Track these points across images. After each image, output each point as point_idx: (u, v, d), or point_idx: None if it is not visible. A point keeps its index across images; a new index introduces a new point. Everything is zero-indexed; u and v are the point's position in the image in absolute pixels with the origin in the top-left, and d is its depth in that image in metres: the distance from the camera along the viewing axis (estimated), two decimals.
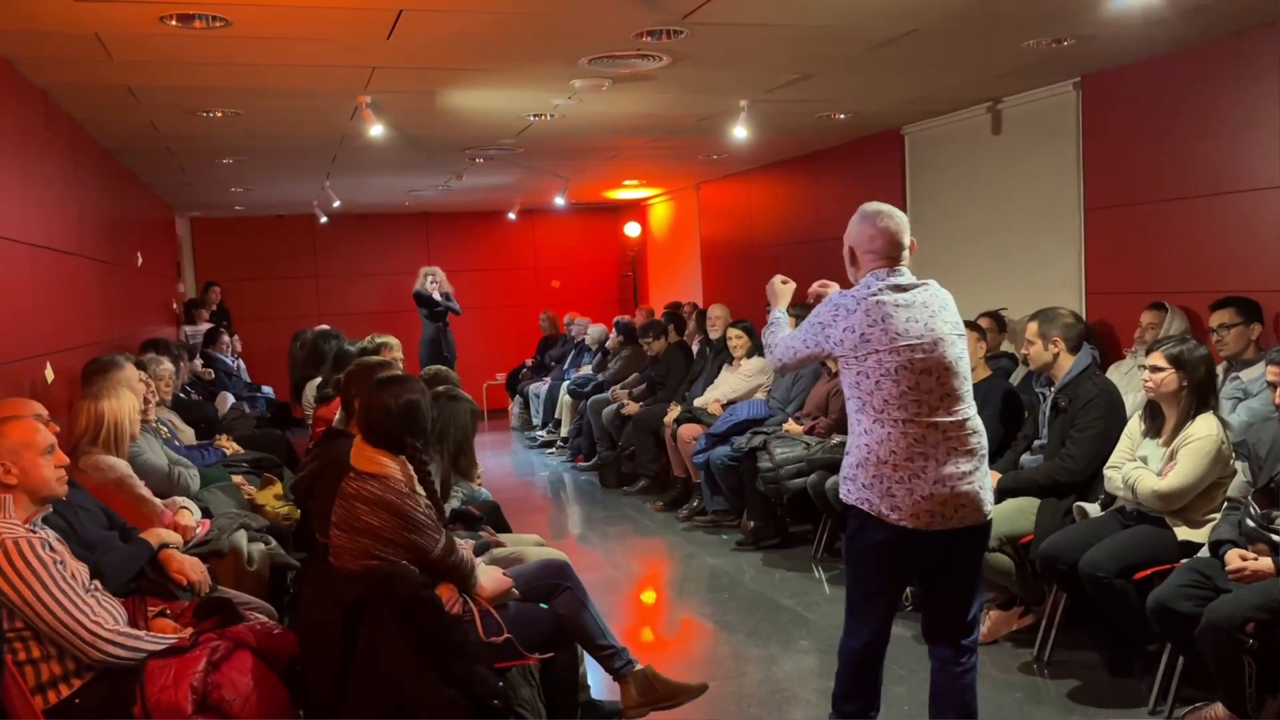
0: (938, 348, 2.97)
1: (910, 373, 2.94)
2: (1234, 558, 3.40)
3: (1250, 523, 3.47)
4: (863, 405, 3.00)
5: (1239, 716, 3.38)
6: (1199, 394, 3.85)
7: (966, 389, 3.04)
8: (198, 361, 8.53)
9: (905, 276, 3.05)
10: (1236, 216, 4.84)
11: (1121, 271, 5.53)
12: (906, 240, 3.10)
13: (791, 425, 6.11)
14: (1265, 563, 3.34)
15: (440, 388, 3.97)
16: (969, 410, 3.03)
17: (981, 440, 3.05)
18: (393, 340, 5.97)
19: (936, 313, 3.02)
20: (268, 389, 9.58)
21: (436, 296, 10.85)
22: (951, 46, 4.82)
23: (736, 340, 7.18)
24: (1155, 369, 3.90)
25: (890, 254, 3.05)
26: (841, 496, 3.11)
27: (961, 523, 2.97)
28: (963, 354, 3.05)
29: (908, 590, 4.39)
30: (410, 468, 3.13)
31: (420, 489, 3.12)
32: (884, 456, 2.95)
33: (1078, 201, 5.77)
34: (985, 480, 3.04)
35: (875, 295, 3.00)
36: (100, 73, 4.70)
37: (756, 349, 7.16)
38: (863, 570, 3.13)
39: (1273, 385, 3.56)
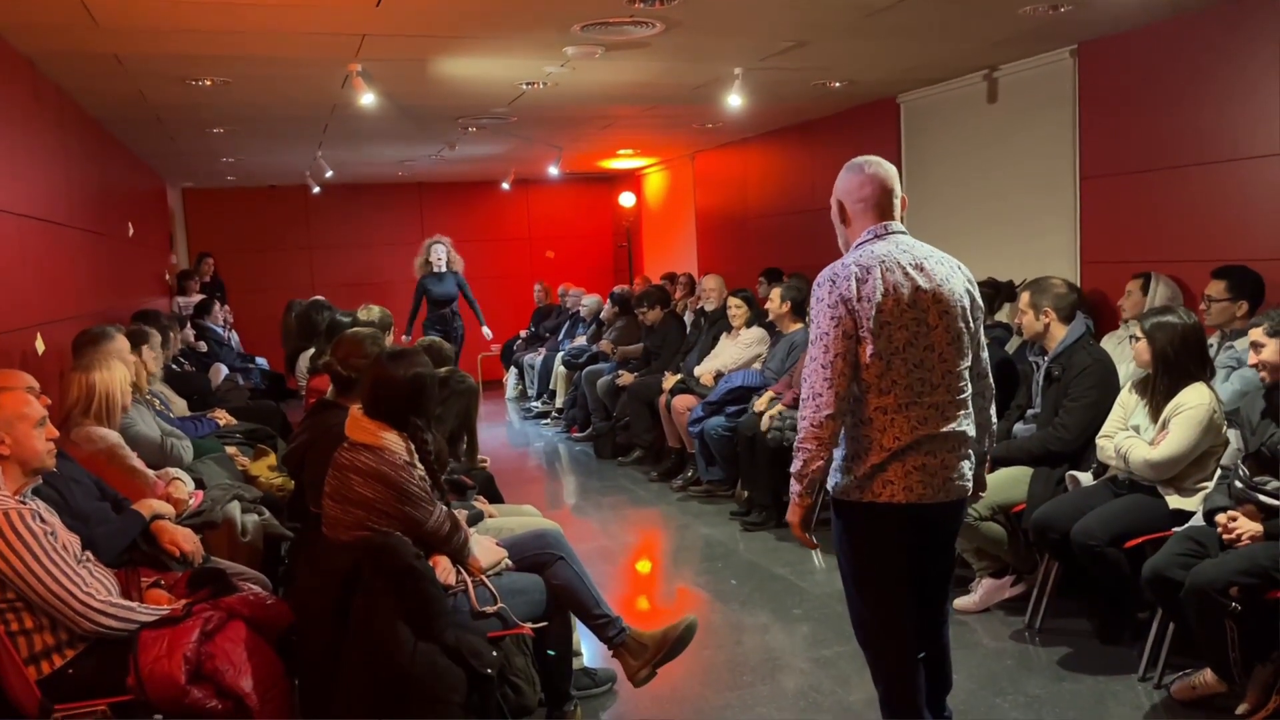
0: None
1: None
2: (1220, 522, 3.43)
3: (1239, 484, 3.49)
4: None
5: (1226, 681, 3.41)
6: (1168, 364, 3.85)
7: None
8: (189, 332, 8.48)
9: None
10: (1233, 185, 4.82)
11: (1117, 241, 5.51)
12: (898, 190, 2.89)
13: (761, 403, 6.10)
14: (1248, 523, 3.36)
15: (442, 370, 3.94)
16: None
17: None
18: (388, 312, 5.96)
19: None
20: (261, 360, 9.56)
21: (457, 268, 9.92)
22: (947, 13, 4.77)
23: (736, 309, 7.16)
24: (1135, 338, 3.98)
25: (887, 205, 2.86)
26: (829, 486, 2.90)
27: (945, 495, 2.83)
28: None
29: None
30: (411, 443, 3.12)
31: (418, 463, 3.13)
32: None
33: (1073, 170, 5.75)
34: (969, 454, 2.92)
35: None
36: (87, 40, 4.64)
37: (756, 318, 7.16)
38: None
39: (1255, 346, 3.55)
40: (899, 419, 2.75)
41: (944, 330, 2.78)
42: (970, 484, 2.91)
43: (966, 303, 2.85)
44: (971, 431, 2.88)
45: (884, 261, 2.75)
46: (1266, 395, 3.56)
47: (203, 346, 8.45)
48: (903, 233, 2.86)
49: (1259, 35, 4.61)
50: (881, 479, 2.77)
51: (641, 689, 3.65)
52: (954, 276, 2.84)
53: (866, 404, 2.76)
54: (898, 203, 2.88)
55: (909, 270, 2.76)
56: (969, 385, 2.88)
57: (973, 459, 2.92)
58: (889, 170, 2.88)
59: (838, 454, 2.84)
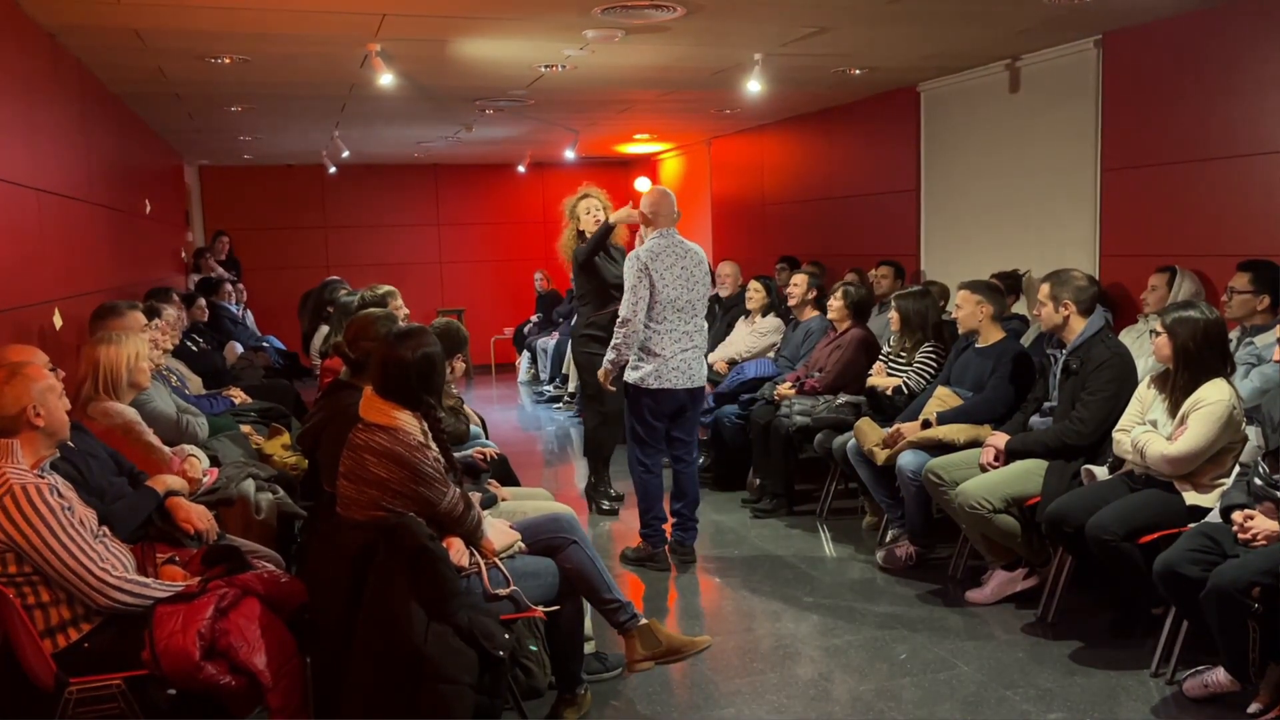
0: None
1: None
2: (1236, 520, 3.40)
3: (1259, 481, 3.46)
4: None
5: (1240, 681, 3.39)
6: (1189, 359, 3.82)
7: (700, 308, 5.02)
8: (200, 305, 8.38)
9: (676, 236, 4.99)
10: (1258, 180, 4.77)
11: (1137, 234, 5.47)
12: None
13: (783, 389, 6.07)
14: (1265, 522, 3.33)
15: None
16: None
17: (702, 338, 5.05)
18: (395, 290, 5.93)
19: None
20: (274, 339, 9.57)
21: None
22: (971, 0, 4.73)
23: (754, 294, 7.13)
24: (1155, 333, 3.94)
25: (673, 218, 5.00)
26: (626, 379, 4.97)
27: (690, 384, 4.93)
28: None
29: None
30: (425, 423, 3.12)
31: (433, 444, 3.13)
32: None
33: (1094, 162, 5.70)
34: (702, 360, 5.03)
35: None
36: (107, 15, 4.64)
37: (773, 306, 7.13)
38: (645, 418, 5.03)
39: None
40: (667, 338, 4.89)
41: (691, 291, 4.92)
42: (705, 380, 5.05)
43: (700, 276, 4.95)
44: (704, 349, 5.06)
45: (667, 248, 4.91)
46: None
47: (204, 316, 8.21)
48: (675, 234, 4.96)
49: None
50: (656, 374, 4.88)
51: (651, 675, 3.66)
52: (701, 264, 4.98)
53: (650, 327, 4.88)
54: (677, 216, 5.02)
55: (676, 254, 4.91)
56: (704, 324, 5.05)
57: (704, 365, 5.05)
58: (673, 198, 5.05)
59: (633, 358, 4.92)
